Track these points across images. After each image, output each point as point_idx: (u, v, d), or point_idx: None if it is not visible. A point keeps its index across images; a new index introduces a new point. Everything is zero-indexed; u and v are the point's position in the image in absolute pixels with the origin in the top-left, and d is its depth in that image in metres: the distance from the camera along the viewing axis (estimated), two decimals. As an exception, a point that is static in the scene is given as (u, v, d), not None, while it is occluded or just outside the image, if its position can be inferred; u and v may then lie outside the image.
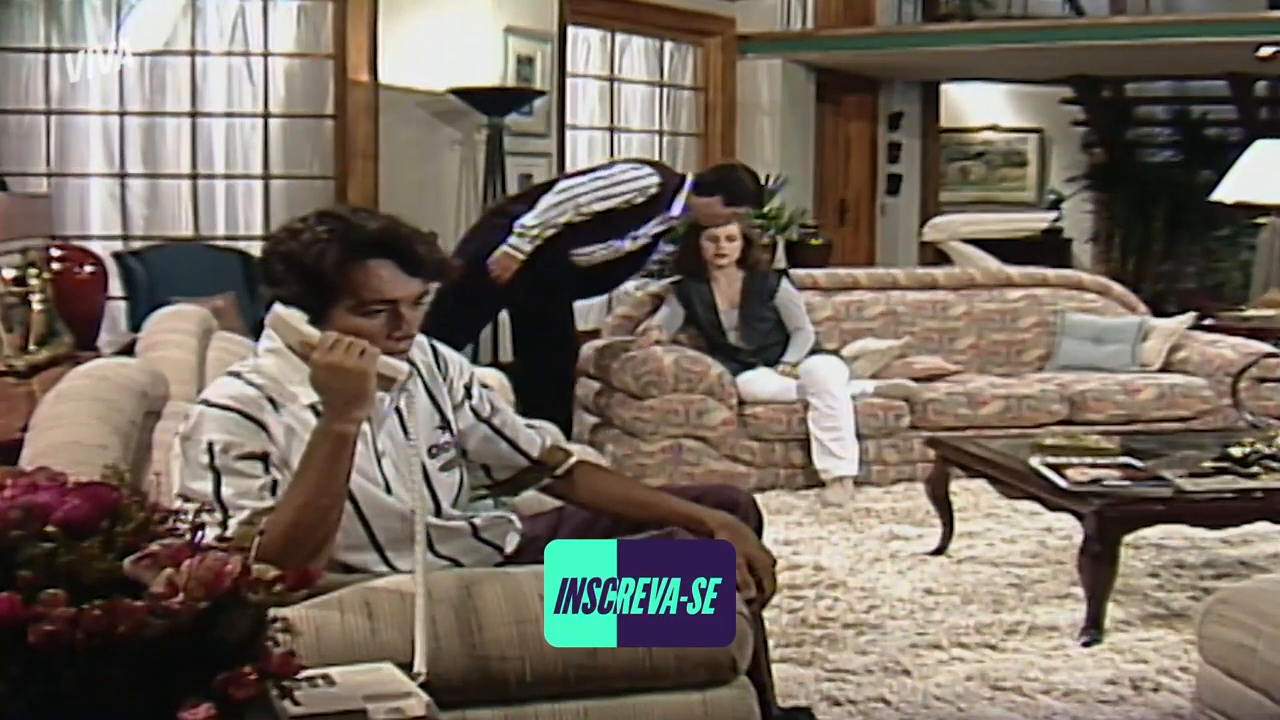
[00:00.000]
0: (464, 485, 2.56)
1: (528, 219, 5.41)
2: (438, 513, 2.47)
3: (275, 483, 2.23)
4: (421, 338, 2.47)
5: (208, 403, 2.28)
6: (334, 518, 2.20)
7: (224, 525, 2.15)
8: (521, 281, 5.44)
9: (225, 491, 2.20)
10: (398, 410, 2.41)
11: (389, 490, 2.38)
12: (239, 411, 2.25)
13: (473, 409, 2.57)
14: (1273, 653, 2.36)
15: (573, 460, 2.64)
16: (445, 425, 2.52)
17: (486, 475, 2.63)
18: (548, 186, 5.59)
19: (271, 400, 2.29)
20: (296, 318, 2.27)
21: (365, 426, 2.29)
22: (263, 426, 2.26)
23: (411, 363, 2.38)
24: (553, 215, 5.39)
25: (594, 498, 2.63)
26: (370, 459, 2.36)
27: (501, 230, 5.48)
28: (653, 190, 5.45)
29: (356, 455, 2.24)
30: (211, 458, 2.22)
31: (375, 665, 1.90)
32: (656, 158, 10.49)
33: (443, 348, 2.58)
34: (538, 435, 2.66)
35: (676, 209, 5.57)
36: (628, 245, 5.57)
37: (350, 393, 2.18)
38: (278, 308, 2.30)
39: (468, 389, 2.57)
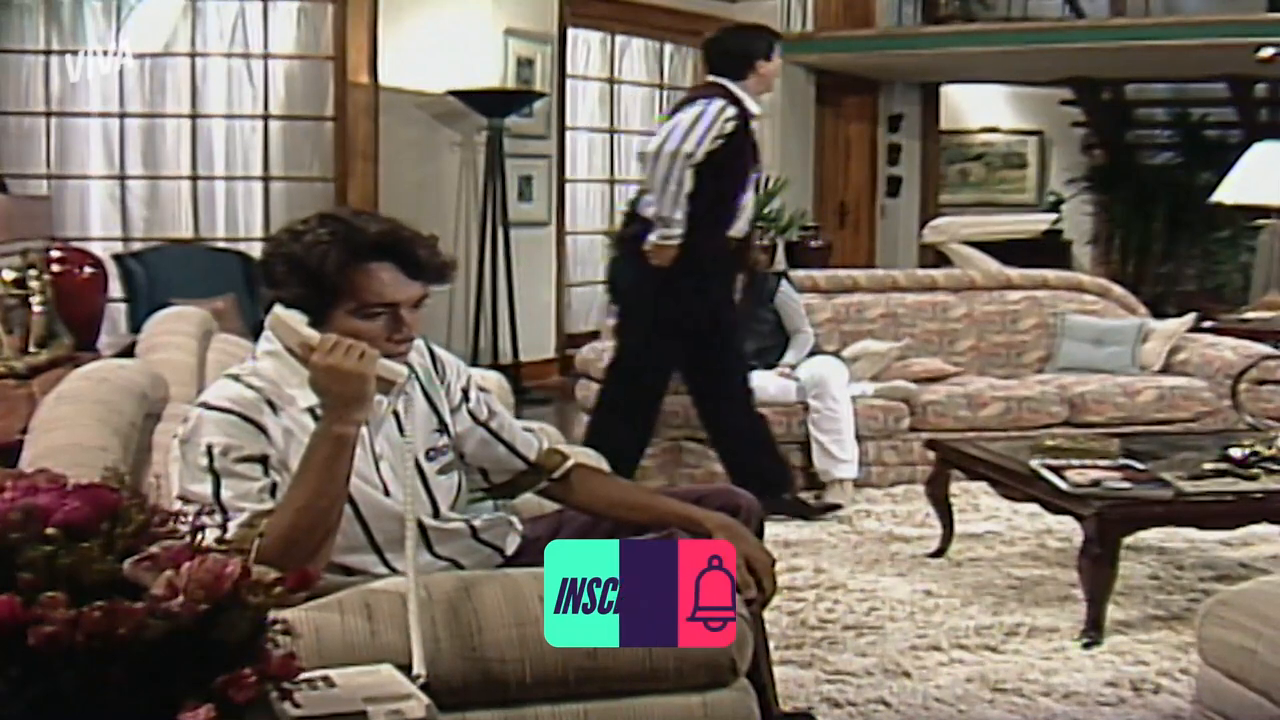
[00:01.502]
0: (462, 488, 2.57)
1: (655, 209, 4.91)
2: (435, 515, 2.47)
3: (274, 485, 2.23)
4: (419, 341, 2.47)
5: (206, 405, 2.28)
6: (333, 519, 2.20)
7: (223, 528, 2.14)
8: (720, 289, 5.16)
9: (224, 494, 2.20)
10: (395, 414, 2.41)
11: (387, 493, 2.38)
12: (238, 414, 2.25)
13: (470, 412, 2.57)
14: (1273, 655, 2.36)
15: (570, 463, 2.64)
16: (443, 428, 2.52)
17: (484, 478, 2.63)
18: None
19: (270, 403, 2.29)
20: (296, 319, 2.27)
21: (363, 430, 2.29)
22: (261, 429, 2.26)
23: (409, 366, 2.38)
24: (673, 185, 4.87)
25: (591, 500, 2.62)
26: (368, 462, 2.36)
27: (638, 239, 5.05)
28: (730, 114, 4.92)
29: (355, 458, 2.24)
30: (211, 460, 2.22)
31: (375, 667, 1.90)
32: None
33: (440, 351, 2.59)
34: (535, 438, 2.66)
35: (754, 107, 5.09)
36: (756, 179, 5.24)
37: (349, 395, 2.18)
38: (278, 309, 2.30)
39: (465, 392, 2.58)
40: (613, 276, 5.43)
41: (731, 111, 4.92)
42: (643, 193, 5.08)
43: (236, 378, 2.33)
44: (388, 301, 2.29)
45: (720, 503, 2.59)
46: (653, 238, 4.94)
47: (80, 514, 1.50)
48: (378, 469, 2.38)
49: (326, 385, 2.19)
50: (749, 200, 5.16)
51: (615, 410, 5.26)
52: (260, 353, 2.38)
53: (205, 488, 2.20)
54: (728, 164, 4.95)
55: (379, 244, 2.28)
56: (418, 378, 2.48)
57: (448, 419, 2.53)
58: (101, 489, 1.57)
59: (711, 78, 5.10)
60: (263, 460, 2.24)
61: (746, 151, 5.05)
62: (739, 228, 5.13)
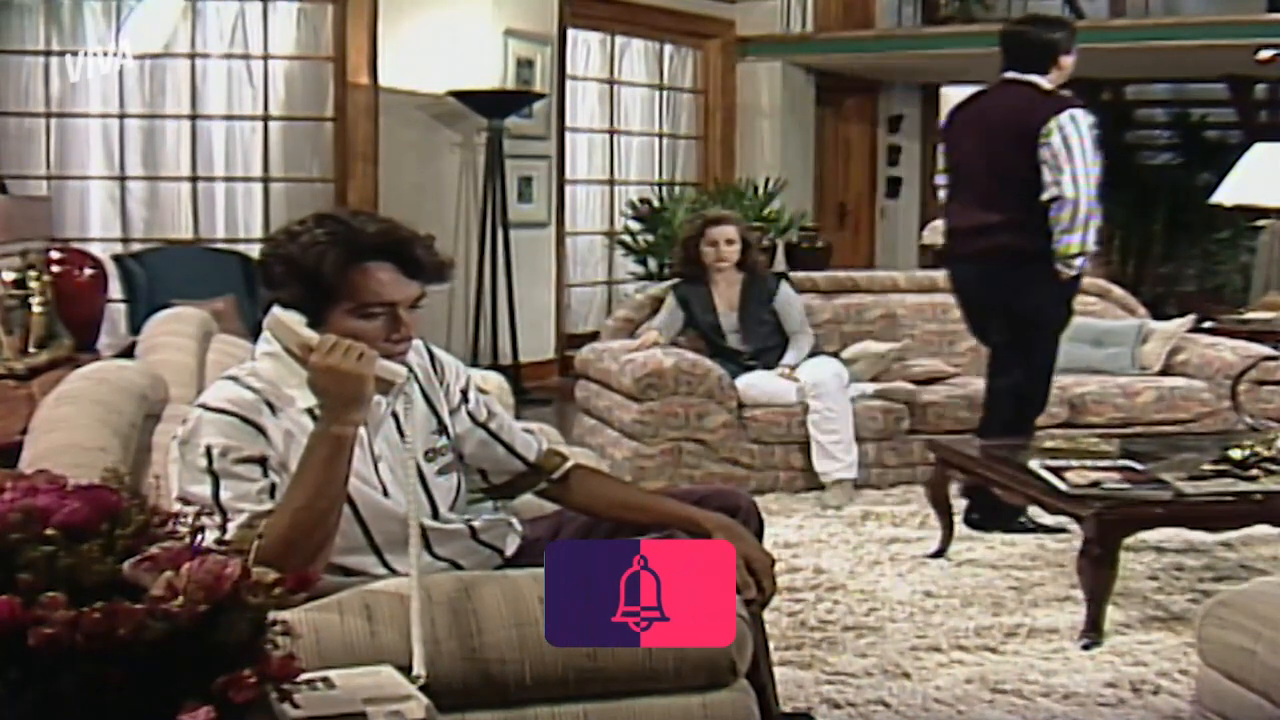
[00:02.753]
0: (461, 489, 2.57)
1: (1081, 243, 4.77)
2: (434, 516, 2.47)
3: (274, 486, 2.23)
4: (418, 342, 2.47)
5: (205, 407, 2.28)
6: (333, 520, 2.20)
7: (223, 529, 2.15)
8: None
9: (224, 495, 2.20)
10: (394, 414, 2.42)
11: (386, 494, 2.38)
12: (237, 415, 2.25)
13: (469, 413, 2.57)
14: (1272, 656, 2.36)
15: (569, 465, 2.64)
16: (442, 429, 2.52)
17: (483, 479, 2.63)
18: (1022, 206, 4.82)
19: (269, 404, 2.29)
20: (295, 320, 2.27)
21: (361, 430, 2.29)
22: (260, 430, 2.26)
23: (409, 367, 2.39)
24: (1097, 218, 4.78)
25: (590, 502, 2.63)
26: (367, 463, 2.36)
27: (1039, 274, 4.88)
28: (1091, 119, 4.79)
29: (354, 459, 2.24)
30: (210, 461, 2.22)
31: (375, 668, 1.90)
32: (656, 161, 10.54)
33: (439, 352, 2.59)
34: (535, 439, 2.66)
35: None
36: None
37: (348, 396, 2.19)
38: (276, 310, 2.30)
39: (464, 393, 2.58)
40: (1008, 300, 5.00)
41: (1090, 116, 4.81)
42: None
43: (235, 379, 2.33)
44: (386, 301, 2.29)
45: (719, 504, 2.59)
46: (1074, 269, 4.84)
47: (80, 515, 1.51)
48: (376, 470, 2.38)
49: (325, 386, 2.19)
50: None
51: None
52: (259, 354, 2.38)
53: (204, 489, 2.20)
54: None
55: (377, 244, 2.29)
56: (416, 379, 2.48)
57: (447, 420, 2.53)
58: (101, 490, 1.57)
59: (1011, 74, 5.01)
60: (262, 461, 2.24)
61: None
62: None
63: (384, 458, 2.39)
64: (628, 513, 2.56)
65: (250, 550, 2.03)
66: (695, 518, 2.47)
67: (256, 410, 2.27)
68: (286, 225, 2.36)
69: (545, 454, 2.64)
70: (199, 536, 1.57)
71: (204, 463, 2.22)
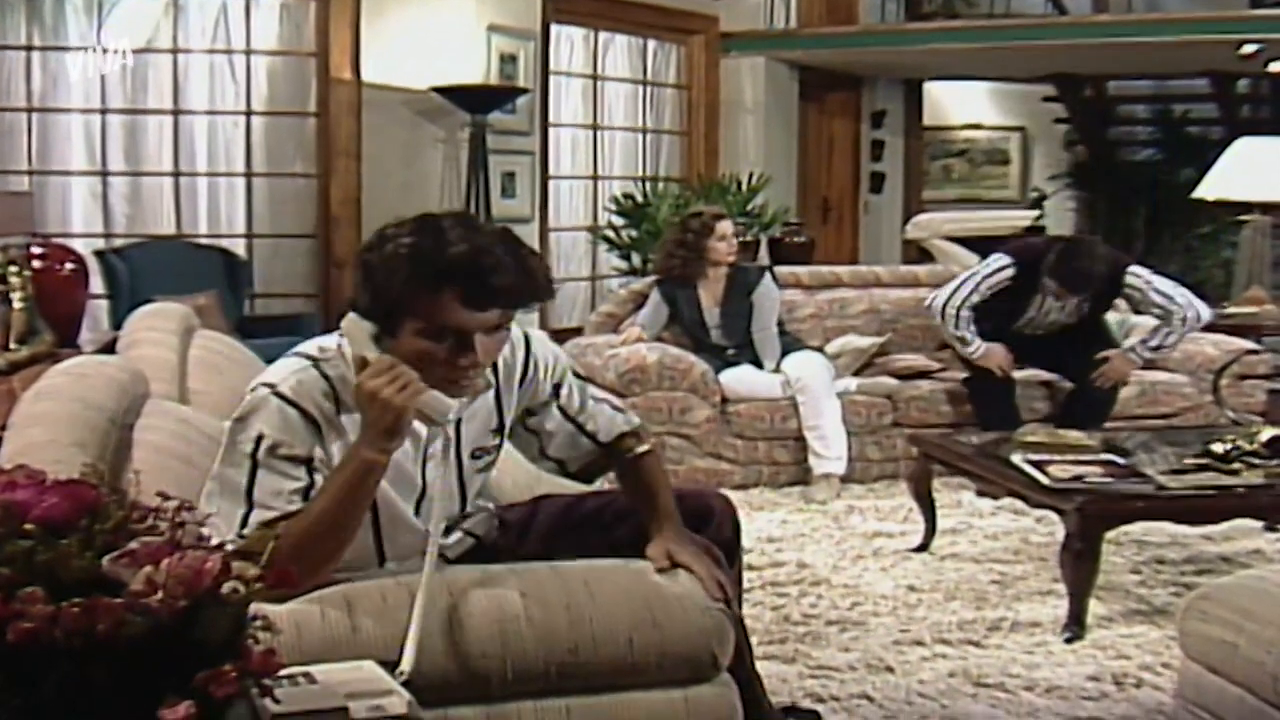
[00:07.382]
0: (488, 481, 2.58)
1: None
2: (463, 508, 2.48)
3: (309, 487, 2.21)
4: (517, 335, 2.44)
5: (275, 391, 2.23)
6: (345, 537, 2.19)
7: (244, 522, 2.14)
8: None
9: (256, 489, 2.19)
10: (447, 436, 2.37)
11: (422, 495, 2.37)
12: (299, 409, 2.22)
13: (560, 408, 2.56)
14: (1254, 648, 2.37)
15: (641, 449, 2.64)
16: (499, 430, 2.49)
17: (561, 469, 2.63)
18: None
19: (337, 396, 2.26)
20: (363, 332, 2.22)
21: (422, 429, 2.28)
22: (317, 428, 2.23)
23: (490, 377, 2.37)
24: None
25: (634, 492, 2.61)
26: (415, 460, 2.35)
27: None
28: None
29: (402, 455, 2.24)
30: (256, 449, 2.20)
31: (356, 663, 1.90)
32: (640, 156, 10.53)
33: (540, 348, 2.54)
34: (616, 419, 2.65)
35: None
36: None
37: (384, 424, 2.14)
38: (351, 315, 2.25)
39: (557, 388, 2.55)
40: None
41: None
42: None
43: (314, 361, 2.28)
44: (452, 327, 2.18)
45: (692, 505, 2.60)
46: None
47: (59, 510, 1.50)
48: (423, 470, 2.37)
49: (365, 408, 2.16)
50: None
51: None
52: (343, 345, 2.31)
53: (240, 475, 2.19)
54: None
55: (451, 269, 2.15)
56: (496, 378, 2.43)
57: (508, 421, 2.50)
58: (81, 485, 1.56)
59: None
60: (307, 461, 2.22)
61: None
62: None
63: (434, 457, 2.37)
64: (635, 500, 2.58)
65: (264, 551, 2.01)
66: (658, 525, 2.48)
67: (322, 401, 2.24)
68: (385, 226, 2.25)
69: (619, 437, 2.63)
70: (178, 530, 1.56)
71: (249, 448, 2.20)
